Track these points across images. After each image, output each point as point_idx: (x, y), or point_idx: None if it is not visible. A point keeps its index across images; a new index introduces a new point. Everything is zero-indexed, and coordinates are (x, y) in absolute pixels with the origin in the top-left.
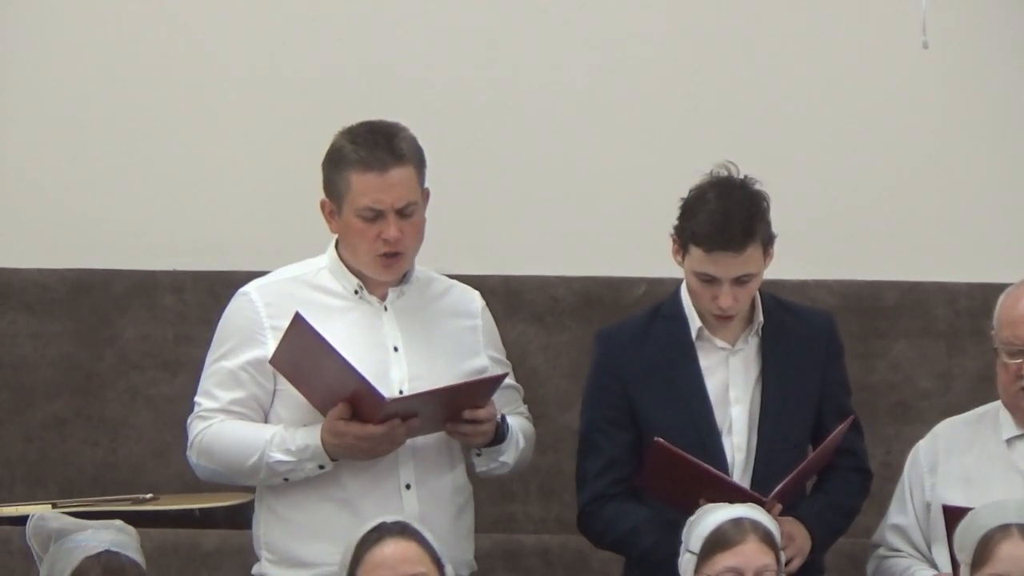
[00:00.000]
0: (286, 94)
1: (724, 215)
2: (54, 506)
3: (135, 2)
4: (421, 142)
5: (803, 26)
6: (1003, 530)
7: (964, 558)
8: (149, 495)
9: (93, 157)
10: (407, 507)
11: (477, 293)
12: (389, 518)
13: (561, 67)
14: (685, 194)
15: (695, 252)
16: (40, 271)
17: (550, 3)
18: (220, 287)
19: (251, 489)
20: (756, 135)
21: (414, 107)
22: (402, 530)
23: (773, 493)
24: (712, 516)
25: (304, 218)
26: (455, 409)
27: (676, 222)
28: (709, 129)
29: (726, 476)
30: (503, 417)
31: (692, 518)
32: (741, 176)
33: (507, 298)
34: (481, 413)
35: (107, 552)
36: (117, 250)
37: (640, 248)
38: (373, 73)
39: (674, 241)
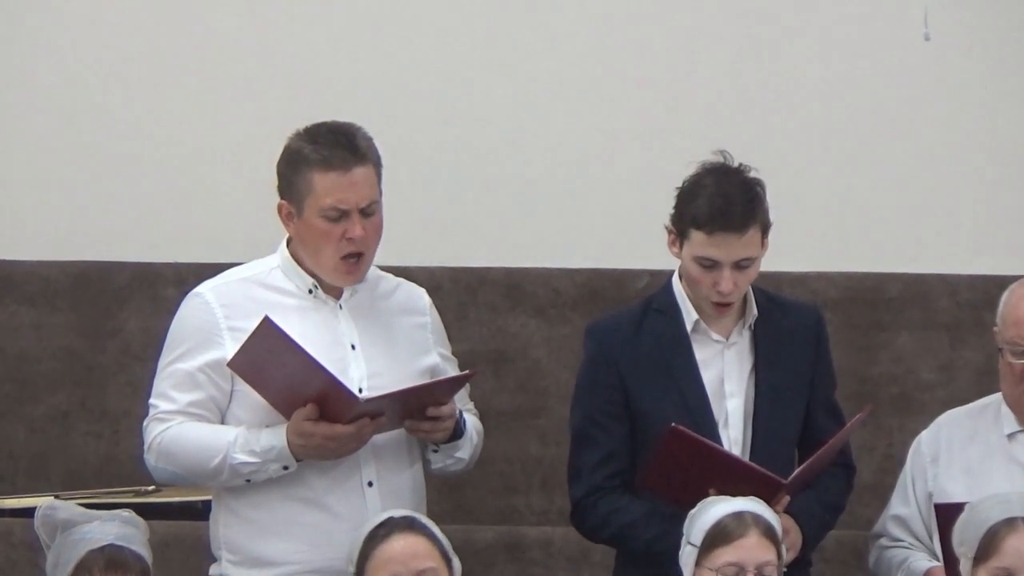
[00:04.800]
0: (287, 88)
1: (724, 197)
2: (57, 498)
3: None
4: (423, 136)
5: (805, 19)
6: (1009, 523)
7: (966, 551)
8: (151, 487)
9: (95, 150)
10: (370, 504)
11: (423, 290)
12: (397, 513)
13: (562, 60)
14: (682, 186)
15: (696, 237)
16: (42, 263)
17: None
18: None
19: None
20: (758, 128)
21: (415, 101)
22: (410, 525)
23: (791, 477)
24: (714, 509)
25: None
26: (419, 406)
27: (672, 211)
28: (710, 122)
29: (745, 460)
30: (460, 413)
31: (693, 511)
32: (735, 163)
33: (509, 290)
34: (444, 410)
35: (111, 546)
36: (119, 242)
37: (642, 240)
38: (374, 67)
39: (670, 232)
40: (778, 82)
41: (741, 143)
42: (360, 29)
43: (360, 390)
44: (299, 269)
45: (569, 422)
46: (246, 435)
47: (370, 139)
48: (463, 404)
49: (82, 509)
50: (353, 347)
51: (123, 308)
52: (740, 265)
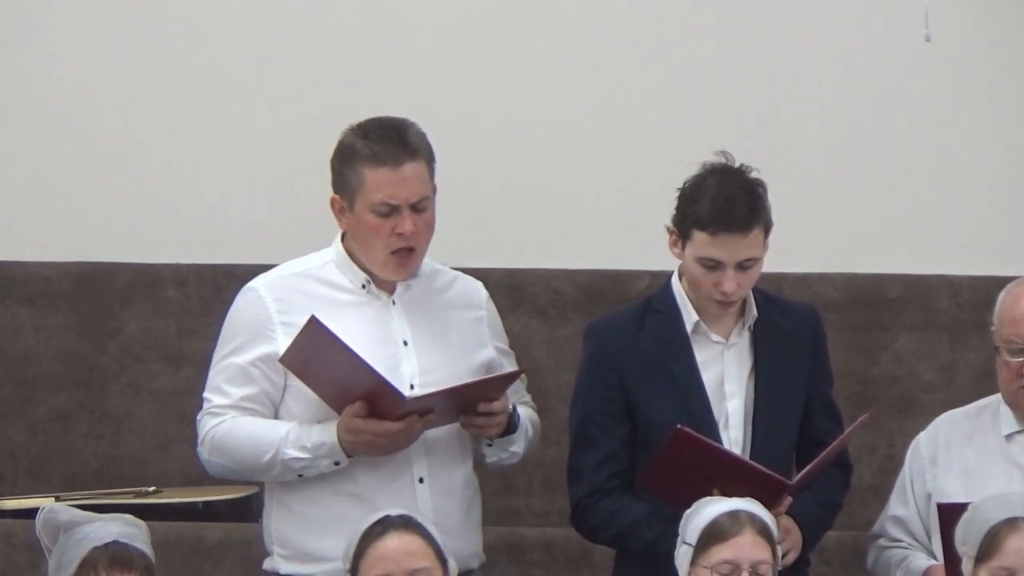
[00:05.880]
0: (289, 89)
1: (727, 197)
2: (57, 499)
3: None
4: None
5: (806, 19)
6: (1011, 523)
7: (968, 551)
8: (152, 488)
9: (96, 150)
10: (421, 501)
11: (480, 284)
12: (394, 511)
13: (564, 61)
14: (684, 186)
15: (699, 237)
16: (43, 264)
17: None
18: (222, 280)
19: (255, 483)
20: (759, 129)
21: (417, 101)
22: (406, 523)
23: (797, 479)
24: (709, 508)
25: (306, 212)
26: (470, 403)
27: (674, 212)
28: (711, 123)
29: (751, 461)
30: (514, 407)
31: (689, 511)
32: (737, 164)
33: (510, 291)
34: (496, 406)
35: (115, 543)
36: (120, 243)
37: (643, 241)
38: (376, 68)
39: (671, 232)
40: (779, 83)
41: (742, 144)
42: (362, 32)
43: (412, 386)
44: (353, 264)
45: (568, 423)
46: (298, 431)
47: (423, 134)
48: (519, 397)
49: (83, 512)
50: (405, 343)
51: (124, 309)
52: (743, 265)
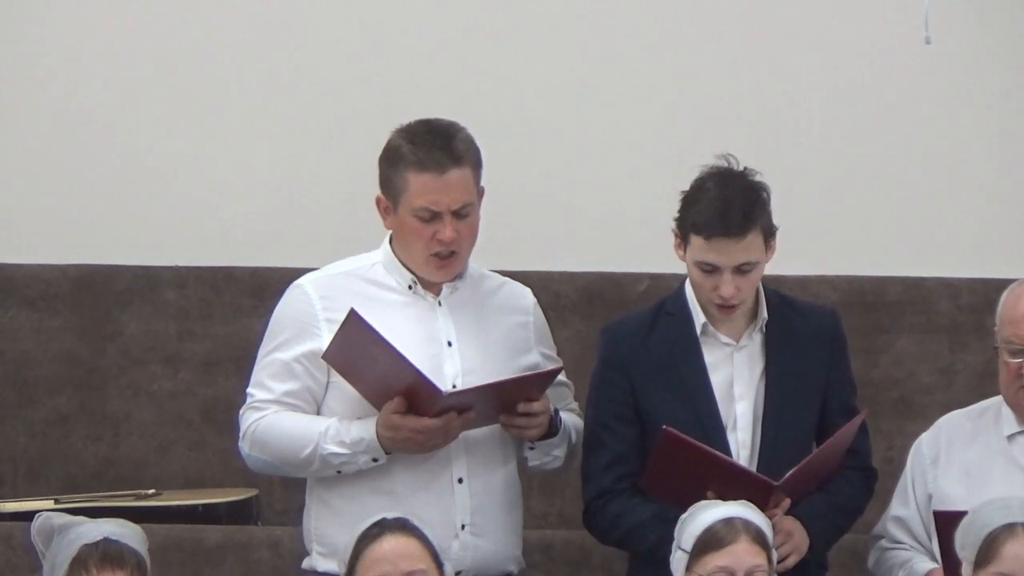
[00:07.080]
0: (288, 92)
1: (723, 202)
2: (56, 502)
3: None
4: None
5: (806, 21)
6: (1009, 529)
7: (967, 555)
8: (151, 491)
9: (95, 153)
10: (459, 501)
11: (528, 290)
12: (390, 514)
13: (563, 63)
14: (687, 189)
15: (696, 241)
16: (42, 267)
17: (554, 1)
18: (221, 282)
19: (254, 484)
20: (759, 131)
21: (416, 104)
22: (402, 526)
23: (783, 479)
24: (704, 515)
25: (306, 214)
26: (510, 402)
27: (677, 215)
28: (712, 125)
29: (735, 462)
30: (556, 411)
31: (684, 516)
32: (740, 167)
33: None
34: (536, 406)
35: (106, 540)
36: (119, 246)
37: (642, 244)
38: (376, 71)
39: (675, 235)
40: (779, 85)
41: (743, 147)
42: (361, 34)
43: (454, 386)
44: (399, 265)
45: (583, 423)
46: (337, 426)
47: (470, 140)
48: (565, 404)
49: (77, 516)
50: (450, 344)
51: (123, 311)
52: (741, 269)
